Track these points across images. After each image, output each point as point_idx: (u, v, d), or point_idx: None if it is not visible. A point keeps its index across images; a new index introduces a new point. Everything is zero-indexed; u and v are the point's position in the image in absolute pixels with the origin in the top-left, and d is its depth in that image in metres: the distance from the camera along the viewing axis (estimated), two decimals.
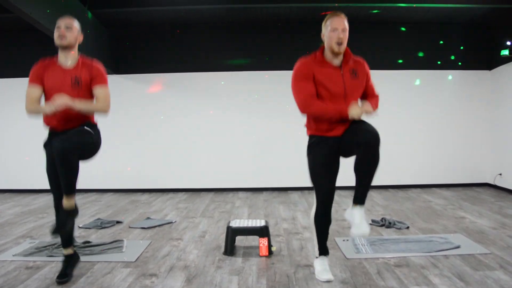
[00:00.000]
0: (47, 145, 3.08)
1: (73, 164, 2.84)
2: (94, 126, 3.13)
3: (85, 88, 3.04)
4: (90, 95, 3.08)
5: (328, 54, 2.90)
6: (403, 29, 7.46)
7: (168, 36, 7.51)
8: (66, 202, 2.91)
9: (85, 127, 3.02)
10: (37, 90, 3.01)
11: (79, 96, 2.99)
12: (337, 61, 2.90)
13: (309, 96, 2.83)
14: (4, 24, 7.05)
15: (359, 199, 2.85)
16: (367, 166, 2.75)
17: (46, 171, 3.07)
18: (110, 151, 7.23)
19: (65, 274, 3.10)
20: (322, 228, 3.08)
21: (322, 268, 3.11)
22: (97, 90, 3.06)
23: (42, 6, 4.80)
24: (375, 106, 2.98)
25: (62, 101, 2.82)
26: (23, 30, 7.11)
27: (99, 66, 3.12)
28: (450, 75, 7.51)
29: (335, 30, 2.82)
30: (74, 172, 2.87)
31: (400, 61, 7.46)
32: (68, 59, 3.05)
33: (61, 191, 2.97)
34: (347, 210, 2.98)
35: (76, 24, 3.06)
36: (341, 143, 2.89)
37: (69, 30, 3.00)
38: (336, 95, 2.86)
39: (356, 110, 2.77)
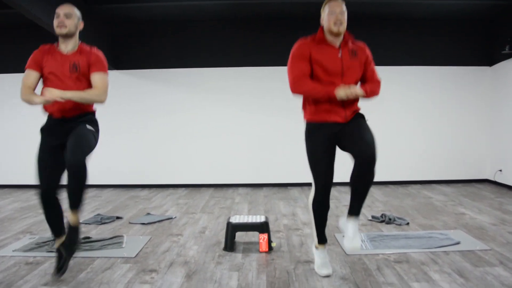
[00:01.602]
0: (44, 130, 3.04)
1: (86, 177, 2.83)
2: (94, 119, 3.12)
3: (83, 73, 3.01)
4: (88, 81, 3.05)
5: (328, 36, 2.90)
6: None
7: (168, 31, 7.49)
8: (74, 218, 2.88)
9: (87, 126, 2.99)
10: (33, 76, 2.98)
11: (77, 81, 2.97)
12: (336, 42, 2.90)
13: (301, 75, 2.85)
14: (4, 20, 7.03)
15: (354, 211, 2.87)
16: (362, 181, 2.79)
17: (37, 158, 2.97)
18: (110, 146, 7.24)
19: (61, 267, 3.01)
20: (320, 214, 3.05)
21: (321, 261, 3.10)
22: (94, 77, 3.01)
23: (43, 2, 4.78)
24: (370, 91, 2.91)
25: (52, 94, 2.79)
26: (23, 26, 7.09)
27: (98, 53, 3.09)
28: (454, 68, 7.47)
29: (333, 12, 2.83)
30: (86, 185, 2.85)
31: (400, 57, 7.44)
32: (68, 46, 3.03)
33: (51, 182, 2.93)
34: (341, 219, 3.05)
35: (76, 12, 3.02)
36: (339, 134, 2.88)
37: (68, 18, 2.96)
38: (332, 73, 2.85)
39: (343, 91, 2.73)
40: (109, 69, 7.21)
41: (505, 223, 4.53)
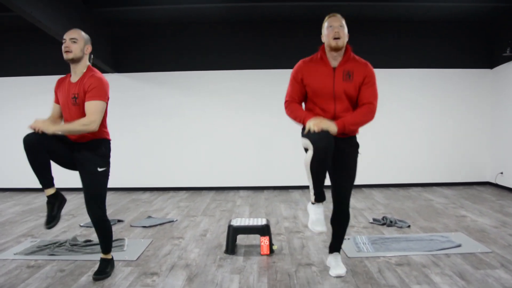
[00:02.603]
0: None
1: (108, 227, 3.19)
2: (105, 151, 3.15)
3: (82, 105, 2.97)
4: None
5: (328, 53, 2.91)
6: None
7: (169, 34, 7.50)
8: (105, 256, 3.25)
9: (98, 169, 3.04)
10: (55, 108, 3.15)
11: (79, 114, 2.96)
12: (335, 62, 2.90)
13: (290, 100, 2.99)
14: (5, 23, 7.05)
15: (335, 248, 3.21)
16: (340, 224, 3.11)
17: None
18: (112, 149, 7.24)
19: (53, 217, 3.00)
20: (319, 170, 2.75)
21: (316, 217, 2.85)
22: (86, 105, 2.92)
23: (43, 5, 4.80)
24: (349, 123, 2.78)
25: (36, 125, 2.83)
26: (23, 29, 7.11)
27: (94, 79, 2.95)
28: (455, 70, 7.47)
29: (331, 27, 2.85)
30: (110, 233, 3.22)
31: (401, 59, 7.45)
32: (76, 74, 3.03)
33: (43, 138, 2.84)
34: (328, 257, 3.28)
35: (82, 35, 3.02)
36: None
37: (74, 43, 2.96)
38: (324, 95, 2.87)
39: (312, 123, 2.69)
40: (109, 72, 7.27)
41: (506, 226, 4.53)
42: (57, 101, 3.13)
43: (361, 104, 2.88)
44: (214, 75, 7.49)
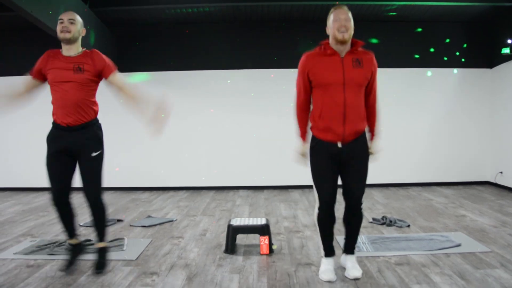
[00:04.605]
0: (49, 138, 3.14)
1: (104, 211, 3.23)
2: (97, 131, 3.21)
3: (87, 74, 3.08)
4: (92, 82, 3.13)
5: (334, 46, 2.88)
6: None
7: (168, 34, 7.50)
8: (101, 244, 3.27)
9: (93, 153, 3.11)
10: (29, 82, 3.18)
11: (81, 81, 3.05)
12: (342, 51, 2.87)
13: (298, 106, 3.05)
14: (5, 22, 7.05)
15: (350, 249, 3.17)
16: (352, 224, 3.09)
17: (46, 164, 3.13)
18: (111, 149, 7.23)
19: (70, 263, 3.27)
20: (326, 228, 3.06)
21: (325, 268, 3.08)
22: (116, 78, 3.19)
23: (43, 5, 4.79)
24: (377, 130, 3.07)
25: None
26: (24, 29, 7.11)
27: (101, 55, 3.17)
28: (454, 70, 7.47)
29: (337, 19, 2.82)
30: (105, 218, 3.25)
31: (401, 59, 7.45)
32: (71, 52, 3.10)
33: (61, 186, 3.10)
34: (342, 257, 3.25)
35: (78, 18, 3.12)
36: (340, 160, 2.93)
37: (72, 24, 3.05)
38: (333, 83, 2.84)
39: (300, 152, 3.10)
40: None
41: (505, 225, 4.53)
42: (36, 76, 3.15)
43: (370, 105, 3.02)
44: (214, 75, 7.49)
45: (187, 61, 7.49)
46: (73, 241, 3.32)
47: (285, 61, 7.28)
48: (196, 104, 7.50)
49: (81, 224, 4.88)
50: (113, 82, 3.20)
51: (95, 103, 3.21)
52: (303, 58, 2.95)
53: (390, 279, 3.03)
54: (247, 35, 7.45)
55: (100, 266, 3.20)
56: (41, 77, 3.15)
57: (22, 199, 6.67)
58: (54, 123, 3.14)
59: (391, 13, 6.80)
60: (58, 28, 3.04)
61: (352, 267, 3.08)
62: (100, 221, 3.23)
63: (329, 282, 3.00)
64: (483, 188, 7.13)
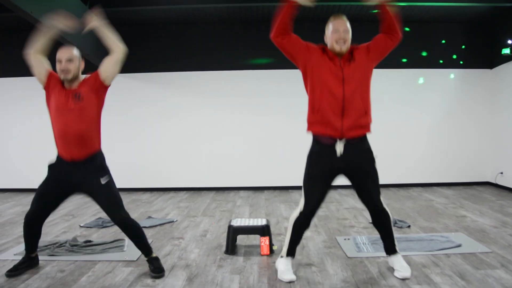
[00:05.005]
0: (52, 168, 3.16)
1: (138, 228, 3.20)
2: (102, 162, 3.21)
3: (86, 100, 3.03)
4: (91, 107, 3.07)
5: (333, 50, 2.92)
6: (407, 29, 7.45)
7: (168, 35, 7.51)
8: (152, 255, 3.26)
9: (102, 181, 3.12)
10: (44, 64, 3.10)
11: (80, 108, 3.01)
12: (340, 54, 2.91)
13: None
14: (5, 23, 7.05)
15: (391, 250, 3.14)
16: (382, 224, 3.10)
17: (39, 187, 3.18)
18: (111, 150, 7.23)
19: (16, 268, 3.23)
20: (299, 232, 3.08)
21: (285, 268, 3.07)
22: (105, 62, 3.11)
23: (43, 5, 4.80)
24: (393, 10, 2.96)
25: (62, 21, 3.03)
26: (23, 29, 7.10)
27: (90, 75, 3.14)
28: (452, 74, 7.49)
29: (336, 31, 2.84)
30: (142, 233, 3.22)
31: (403, 60, 7.45)
32: (72, 85, 3.08)
33: (40, 209, 3.16)
34: (388, 259, 3.21)
35: (75, 53, 3.08)
36: (344, 172, 2.93)
37: (70, 63, 3.02)
38: (332, 81, 2.84)
39: None
40: None
41: (506, 226, 4.53)
42: (47, 79, 3.13)
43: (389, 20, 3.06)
44: (214, 75, 7.49)
45: (187, 61, 7.50)
46: (32, 254, 3.35)
47: (285, 61, 7.26)
48: (196, 105, 7.50)
49: (81, 225, 4.88)
50: (106, 65, 3.12)
51: (98, 135, 3.17)
52: (311, 44, 2.95)
53: (391, 279, 3.02)
54: (247, 36, 7.45)
55: (157, 271, 3.17)
56: (48, 85, 3.12)
57: (23, 200, 6.67)
58: (58, 157, 3.13)
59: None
60: (57, 67, 3.02)
61: (401, 267, 3.06)
62: (138, 238, 3.20)
63: (290, 282, 2.98)
64: (483, 189, 7.13)
